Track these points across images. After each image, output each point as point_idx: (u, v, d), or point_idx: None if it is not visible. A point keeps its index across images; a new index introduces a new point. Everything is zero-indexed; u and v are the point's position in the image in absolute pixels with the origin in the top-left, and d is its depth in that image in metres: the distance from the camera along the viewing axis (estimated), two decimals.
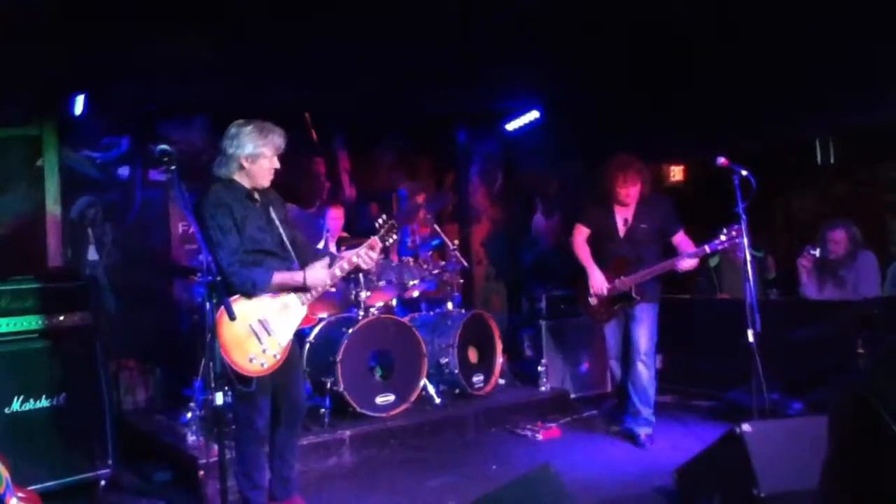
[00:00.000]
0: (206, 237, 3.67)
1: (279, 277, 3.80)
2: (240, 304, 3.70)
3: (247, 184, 3.89)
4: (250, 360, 3.71)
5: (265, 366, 3.74)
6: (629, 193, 5.32)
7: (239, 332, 3.69)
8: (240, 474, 3.91)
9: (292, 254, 3.97)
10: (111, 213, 6.49)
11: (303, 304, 3.90)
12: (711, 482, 3.96)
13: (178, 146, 6.63)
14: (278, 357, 3.80)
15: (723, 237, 4.84)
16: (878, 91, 5.72)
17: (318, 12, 4.87)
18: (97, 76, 5.72)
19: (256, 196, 3.93)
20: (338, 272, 3.93)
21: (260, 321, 3.77)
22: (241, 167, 3.85)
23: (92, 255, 6.39)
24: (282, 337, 3.83)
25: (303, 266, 3.95)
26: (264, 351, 3.75)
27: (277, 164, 3.91)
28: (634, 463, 5.02)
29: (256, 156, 3.82)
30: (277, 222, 3.97)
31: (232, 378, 3.60)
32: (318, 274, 3.85)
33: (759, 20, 5.31)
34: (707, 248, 4.98)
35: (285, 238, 3.97)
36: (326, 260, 4.00)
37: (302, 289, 3.88)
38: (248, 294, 3.75)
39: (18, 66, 5.28)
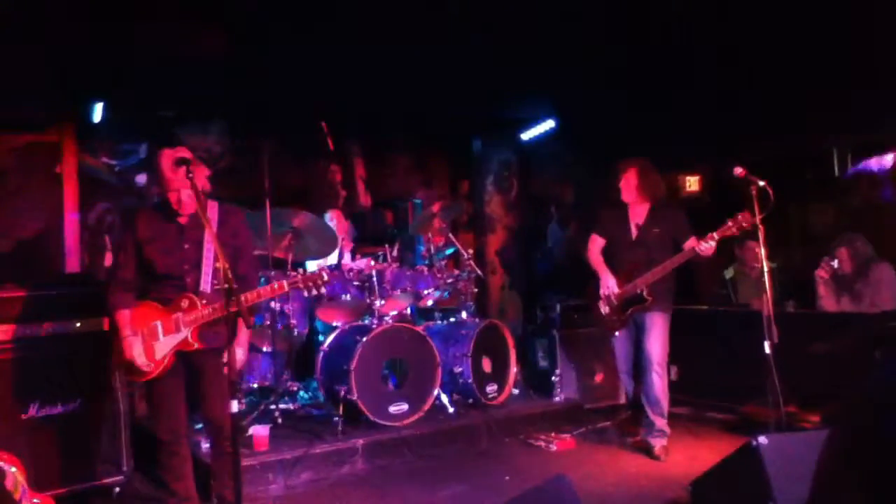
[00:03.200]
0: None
1: (119, 318, 3.86)
2: (142, 307, 3.88)
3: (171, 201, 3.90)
4: (133, 360, 3.81)
5: (142, 370, 3.84)
6: (629, 189, 5.39)
7: (132, 332, 3.85)
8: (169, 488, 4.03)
9: (201, 275, 3.91)
10: (128, 219, 6.52)
11: (183, 327, 3.85)
12: (727, 495, 3.93)
13: (196, 153, 6.69)
14: (151, 368, 3.84)
15: (730, 222, 4.81)
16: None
17: (335, 20, 4.89)
18: (115, 82, 5.77)
19: (177, 215, 3.92)
20: (186, 326, 3.85)
21: (149, 329, 3.86)
22: (161, 185, 3.91)
23: (109, 261, 6.43)
24: (157, 351, 3.86)
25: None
26: (142, 357, 3.83)
27: (175, 183, 3.84)
28: (649, 475, 4.98)
29: (161, 175, 3.87)
30: (203, 243, 3.93)
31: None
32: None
33: (777, 31, 5.30)
34: (716, 235, 4.94)
35: (204, 260, 3.93)
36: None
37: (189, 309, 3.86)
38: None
39: (37, 70, 5.35)
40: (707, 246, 4.99)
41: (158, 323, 3.85)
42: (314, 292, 3.86)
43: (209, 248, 3.91)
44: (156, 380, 3.89)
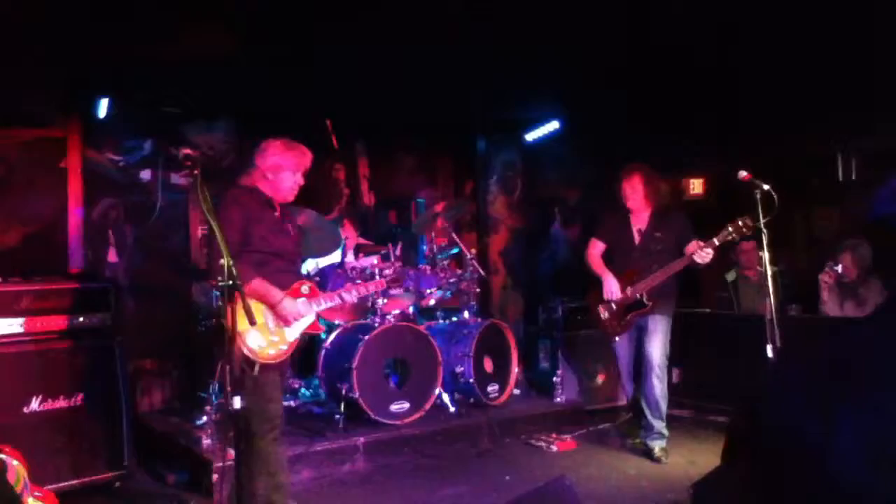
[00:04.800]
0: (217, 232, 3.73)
1: (258, 285, 3.82)
2: None
3: (269, 194, 3.99)
4: (259, 347, 3.79)
5: (272, 354, 3.84)
6: (634, 196, 5.37)
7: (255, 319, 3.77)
8: (261, 473, 3.78)
9: (300, 266, 4.09)
10: (132, 215, 6.55)
11: (312, 309, 4.02)
12: (728, 497, 3.92)
13: (201, 149, 6.70)
14: (284, 350, 3.89)
15: (730, 228, 4.81)
16: None
17: (340, 19, 4.90)
18: (120, 77, 5.78)
19: (276, 205, 4.01)
20: (314, 307, 4.04)
21: (299, 309, 3.94)
22: (265, 177, 3.96)
23: (112, 256, 6.44)
24: (290, 333, 3.93)
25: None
26: (273, 341, 3.85)
27: (301, 181, 4.04)
28: (649, 477, 4.99)
29: (277, 168, 3.94)
30: (294, 234, 4.11)
31: (239, 366, 3.61)
32: (291, 304, 3.89)
33: (781, 34, 5.29)
34: (716, 241, 4.93)
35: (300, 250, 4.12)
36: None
37: (311, 295, 4.02)
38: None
39: (43, 66, 5.36)
40: (705, 253, 4.99)
41: (305, 300, 3.99)
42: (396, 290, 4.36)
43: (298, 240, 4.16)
44: (276, 364, 3.85)
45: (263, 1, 4.72)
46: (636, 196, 5.38)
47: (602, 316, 5.50)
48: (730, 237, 4.86)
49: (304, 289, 4.00)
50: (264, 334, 3.83)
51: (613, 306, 5.40)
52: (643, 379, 5.39)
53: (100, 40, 4.98)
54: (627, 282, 5.35)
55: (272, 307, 3.86)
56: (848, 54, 5.47)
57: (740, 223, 4.72)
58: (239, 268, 3.64)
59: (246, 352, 3.73)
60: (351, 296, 4.35)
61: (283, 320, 3.88)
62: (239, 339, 3.68)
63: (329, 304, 4.17)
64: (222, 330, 3.28)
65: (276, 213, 4.01)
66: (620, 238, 5.50)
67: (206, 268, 4.29)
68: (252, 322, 3.38)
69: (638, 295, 5.27)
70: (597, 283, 5.50)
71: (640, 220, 5.45)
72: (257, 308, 3.78)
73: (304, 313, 3.96)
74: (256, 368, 3.77)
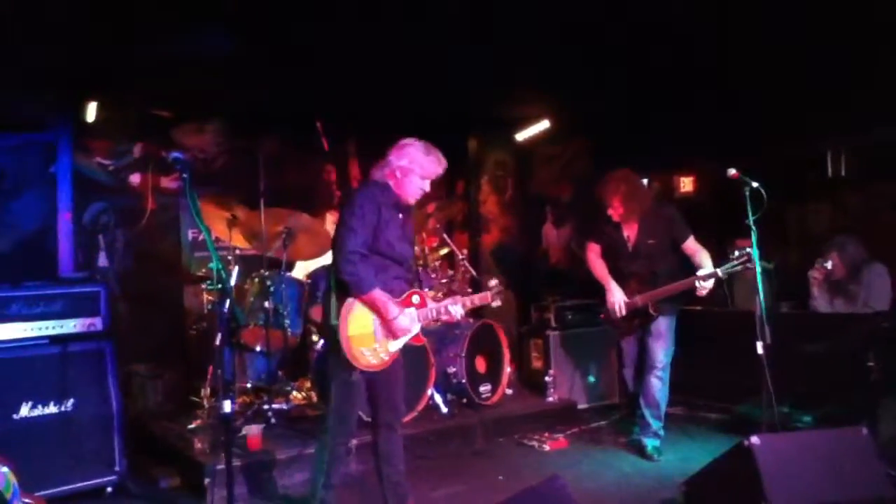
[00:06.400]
0: (343, 222, 3.83)
1: (378, 295, 3.80)
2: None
3: (397, 193, 3.97)
4: (362, 353, 3.82)
5: (372, 362, 3.85)
6: (616, 214, 5.37)
7: (363, 324, 3.83)
8: (318, 470, 3.97)
9: (412, 272, 4.08)
10: (123, 219, 6.53)
11: (419, 321, 3.96)
12: (720, 495, 3.94)
13: (191, 153, 6.69)
14: (385, 360, 3.88)
15: (735, 259, 4.81)
16: (892, 107, 5.69)
17: (330, 19, 4.89)
18: (110, 81, 5.76)
19: (401, 207, 3.99)
20: (422, 318, 3.98)
21: (409, 321, 3.92)
22: (395, 176, 3.93)
23: (102, 261, 6.42)
24: (393, 344, 3.90)
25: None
26: (376, 349, 3.85)
27: (427, 188, 4.02)
28: (642, 475, 5.00)
29: (408, 171, 3.92)
30: (410, 238, 4.10)
31: (339, 364, 3.80)
32: (405, 321, 3.88)
33: (772, 31, 5.31)
34: (719, 272, 4.94)
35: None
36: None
37: (420, 305, 3.97)
38: (356, 287, 3.78)
39: (32, 70, 5.34)
40: (708, 285, 5.02)
41: (414, 310, 3.95)
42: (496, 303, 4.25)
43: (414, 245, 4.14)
44: (382, 371, 3.91)
45: (252, 0, 4.71)
46: (617, 214, 5.37)
47: (613, 316, 5.48)
48: (733, 269, 4.87)
49: (415, 299, 3.96)
50: (367, 340, 3.84)
51: (622, 311, 5.38)
52: (645, 378, 5.39)
53: (89, 43, 4.96)
54: (633, 288, 5.34)
55: (386, 321, 3.84)
56: (838, 52, 5.49)
57: (745, 257, 4.71)
58: (362, 271, 3.75)
59: (348, 356, 3.78)
60: (458, 309, 4.09)
61: (392, 334, 3.86)
62: (344, 343, 3.78)
63: (434, 315, 4.05)
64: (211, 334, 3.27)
65: (401, 216, 3.99)
66: (614, 244, 5.50)
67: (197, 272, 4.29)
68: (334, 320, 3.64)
69: (641, 304, 5.27)
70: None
71: (629, 228, 5.43)
72: (365, 315, 3.83)
73: (412, 327, 3.93)
74: (355, 375, 3.85)
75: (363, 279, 3.76)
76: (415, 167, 3.92)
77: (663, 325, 5.33)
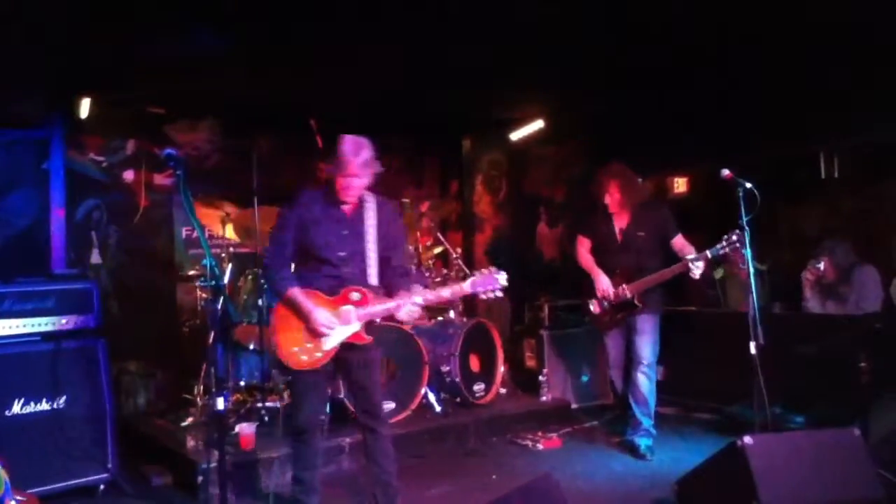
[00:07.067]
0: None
1: (293, 294, 3.84)
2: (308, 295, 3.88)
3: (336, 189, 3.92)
4: (293, 352, 3.84)
5: (303, 360, 3.84)
6: (612, 201, 5.43)
7: (292, 325, 3.86)
8: (293, 475, 4.09)
9: (367, 265, 3.92)
10: (115, 216, 6.51)
11: (357, 319, 3.86)
12: (712, 495, 3.95)
13: (184, 150, 6.67)
14: (320, 357, 3.85)
15: (724, 241, 4.84)
16: (885, 108, 5.72)
17: (325, 19, 4.88)
18: (104, 78, 5.74)
19: (340, 203, 3.94)
20: (361, 315, 3.86)
21: (329, 320, 3.85)
22: (331, 173, 3.90)
23: (95, 258, 6.40)
24: (328, 342, 3.85)
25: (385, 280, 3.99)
26: (308, 348, 3.84)
27: (354, 184, 3.88)
28: (635, 474, 5.00)
29: (332, 168, 3.88)
30: (366, 231, 3.95)
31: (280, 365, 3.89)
32: (322, 316, 3.82)
33: (766, 33, 5.32)
34: (708, 254, 4.96)
35: (368, 249, 3.93)
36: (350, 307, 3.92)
37: (361, 303, 3.86)
38: (274, 291, 3.90)
39: (25, 67, 5.31)
40: (699, 266, 5.03)
41: (351, 308, 3.84)
42: (490, 297, 3.80)
43: (370, 239, 3.94)
44: (311, 371, 3.88)
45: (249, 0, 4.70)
46: (613, 201, 5.44)
47: (594, 310, 5.53)
48: (722, 251, 4.88)
49: (354, 296, 3.86)
50: (298, 338, 3.84)
51: (605, 303, 5.43)
52: (632, 376, 5.41)
53: (82, 40, 4.94)
54: (619, 281, 5.37)
55: (305, 318, 3.83)
56: (831, 54, 5.51)
57: (734, 238, 4.73)
58: (276, 275, 3.87)
59: (280, 357, 3.86)
60: (411, 311, 3.86)
61: (315, 331, 3.82)
62: (276, 344, 3.87)
63: (380, 312, 3.88)
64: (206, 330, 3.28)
65: (341, 212, 3.94)
66: (604, 237, 5.55)
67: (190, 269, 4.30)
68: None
69: (629, 295, 5.29)
70: (590, 278, 5.53)
71: (621, 220, 5.49)
72: (293, 316, 3.85)
73: (344, 323, 3.84)
74: (291, 375, 3.90)
75: (277, 282, 3.88)
76: (337, 163, 3.85)
77: (648, 323, 5.35)
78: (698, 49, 5.63)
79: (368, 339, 3.89)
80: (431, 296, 3.90)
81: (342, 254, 3.90)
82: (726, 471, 3.82)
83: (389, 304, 3.85)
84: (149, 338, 6.41)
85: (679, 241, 5.33)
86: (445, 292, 3.93)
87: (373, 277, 3.93)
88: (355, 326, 3.86)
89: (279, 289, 3.87)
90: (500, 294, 3.79)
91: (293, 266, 4.03)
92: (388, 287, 3.97)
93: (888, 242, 6.55)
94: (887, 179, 6.57)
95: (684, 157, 7.63)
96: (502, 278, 3.76)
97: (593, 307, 5.53)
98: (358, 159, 3.81)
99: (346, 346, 3.89)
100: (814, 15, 4.95)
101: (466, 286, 3.82)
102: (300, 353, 3.84)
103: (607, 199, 5.44)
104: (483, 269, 3.81)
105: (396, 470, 4.08)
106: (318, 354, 3.85)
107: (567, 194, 8.79)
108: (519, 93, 6.97)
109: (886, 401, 4.83)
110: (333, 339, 3.85)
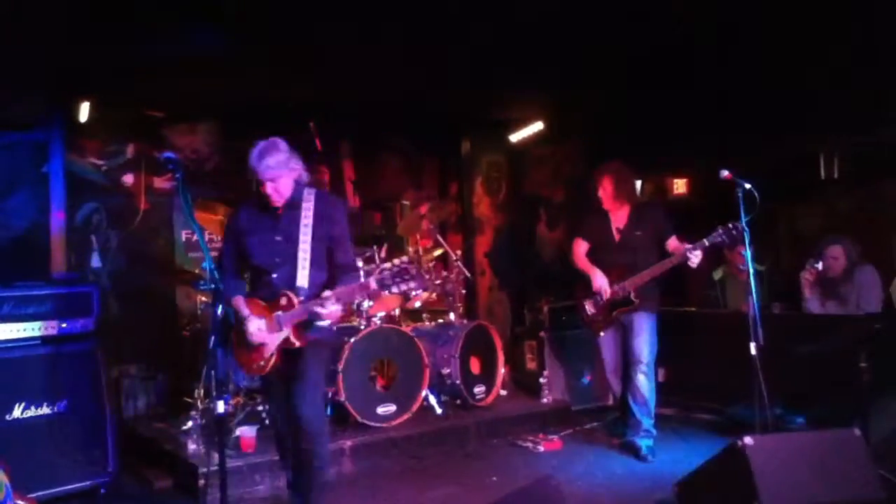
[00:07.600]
0: None
1: (236, 303, 3.96)
2: (249, 305, 3.98)
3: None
4: (245, 360, 4.01)
5: (255, 367, 3.97)
6: (607, 197, 5.47)
7: (240, 334, 3.95)
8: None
9: (298, 267, 3.85)
10: (115, 219, 6.50)
11: (283, 324, 3.81)
12: (712, 495, 3.95)
13: (183, 153, 6.67)
14: (263, 365, 3.93)
15: (720, 230, 4.84)
16: (884, 109, 5.73)
17: (324, 20, 4.89)
18: (103, 78, 5.74)
19: (270, 209, 3.91)
20: (287, 324, 3.81)
21: (258, 328, 3.89)
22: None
23: (95, 261, 6.39)
24: (266, 349, 3.90)
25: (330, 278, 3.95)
26: (254, 355, 3.94)
27: (268, 189, 3.82)
28: (635, 476, 5.00)
29: (253, 175, 3.85)
30: (300, 233, 3.87)
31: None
32: (251, 325, 3.85)
33: (765, 35, 5.33)
34: (706, 242, 4.97)
35: (301, 251, 3.86)
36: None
37: (286, 307, 3.82)
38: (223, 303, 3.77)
39: (24, 69, 5.31)
40: (696, 255, 5.02)
41: (263, 321, 3.87)
42: (402, 288, 3.52)
43: (305, 240, 3.86)
44: (265, 377, 4.07)
45: (248, 1, 4.70)
46: (608, 198, 5.47)
47: (588, 311, 5.54)
48: (719, 239, 4.88)
49: (283, 300, 3.84)
50: (248, 348, 3.94)
51: (600, 301, 5.43)
52: (631, 377, 5.40)
53: (81, 43, 4.94)
54: (615, 279, 5.38)
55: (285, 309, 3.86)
56: (830, 54, 5.52)
57: (731, 226, 4.73)
58: (222, 282, 3.79)
59: (238, 363, 4.06)
60: (332, 307, 3.73)
61: (248, 337, 3.89)
62: (234, 352, 4.04)
63: (298, 314, 3.80)
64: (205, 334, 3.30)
65: (273, 220, 3.93)
66: (601, 237, 5.56)
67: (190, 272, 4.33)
68: (231, 322, 3.68)
69: (626, 292, 5.30)
70: (584, 279, 5.54)
71: (618, 219, 5.51)
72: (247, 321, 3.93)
73: (272, 330, 3.83)
74: (258, 381, 4.11)
75: (223, 292, 3.72)
76: (248, 171, 3.85)
77: (645, 323, 5.35)
78: (698, 49, 5.63)
79: (298, 343, 3.83)
80: (335, 296, 3.71)
81: (277, 259, 3.90)
82: (727, 471, 3.82)
83: (298, 309, 3.79)
84: (149, 340, 6.41)
85: (673, 243, 5.33)
86: (348, 292, 3.77)
87: (302, 279, 3.82)
88: (285, 332, 3.83)
89: (225, 298, 3.77)
90: (422, 294, 3.82)
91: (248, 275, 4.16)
92: (333, 286, 3.83)
93: (888, 242, 6.55)
94: (887, 179, 6.57)
95: (684, 157, 7.64)
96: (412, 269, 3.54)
97: (588, 307, 5.54)
98: (262, 164, 3.77)
99: (286, 353, 3.89)
100: (814, 15, 4.95)
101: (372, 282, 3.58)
102: (249, 360, 3.97)
103: (601, 193, 5.48)
104: (395, 260, 3.57)
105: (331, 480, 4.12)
106: (261, 363, 3.93)
107: (566, 195, 8.79)
108: (518, 93, 6.97)
109: (886, 401, 4.83)
110: (270, 345, 3.89)
